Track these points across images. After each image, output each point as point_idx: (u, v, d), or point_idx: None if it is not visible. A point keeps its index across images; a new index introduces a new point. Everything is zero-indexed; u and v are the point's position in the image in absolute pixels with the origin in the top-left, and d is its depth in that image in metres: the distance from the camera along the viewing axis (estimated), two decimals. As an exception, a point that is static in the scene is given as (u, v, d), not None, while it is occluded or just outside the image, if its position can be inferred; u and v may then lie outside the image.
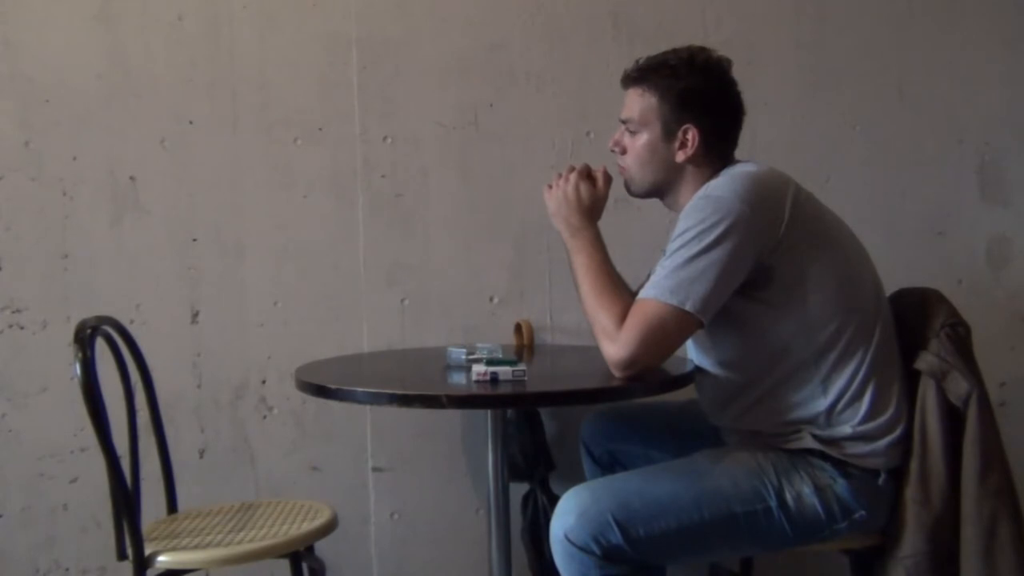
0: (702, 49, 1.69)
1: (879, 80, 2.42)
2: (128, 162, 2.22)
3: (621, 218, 2.34)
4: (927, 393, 1.59)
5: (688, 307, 1.52)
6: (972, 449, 1.55)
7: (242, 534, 1.73)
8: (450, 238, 2.32)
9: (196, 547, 1.67)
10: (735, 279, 1.55)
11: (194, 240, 2.24)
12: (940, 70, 2.43)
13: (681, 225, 1.57)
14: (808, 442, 1.58)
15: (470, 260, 2.32)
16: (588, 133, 2.34)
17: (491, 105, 2.32)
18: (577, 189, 1.73)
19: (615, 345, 1.56)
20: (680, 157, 1.68)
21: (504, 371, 1.60)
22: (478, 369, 1.61)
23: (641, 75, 1.70)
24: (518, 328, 2.28)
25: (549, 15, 2.33)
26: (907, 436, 1.59)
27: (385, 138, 2.30)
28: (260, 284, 2.27)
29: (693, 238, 1.53)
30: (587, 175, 1.76)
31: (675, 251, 1.55)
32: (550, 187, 1.78)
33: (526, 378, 1.60)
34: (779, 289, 1.58)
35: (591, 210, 1.73)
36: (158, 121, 2.23)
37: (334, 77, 2.28)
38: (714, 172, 1.67)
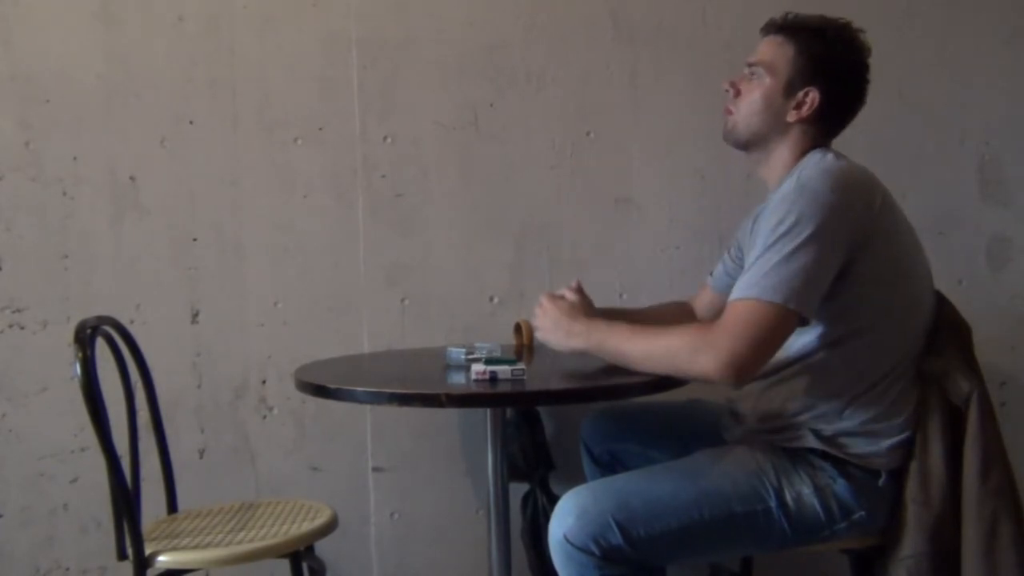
0: (851, 26, 1.67)
1: (879, 80, 2.41)
2: (128, 162, 2.22)
3: (621, 218, 2.35)
4: (928, 393, 1.59)
5: (792, 305, 1.46)
6: (973, 449, 1.54)
7: (242, 534, 1.73)
8: (450, 238, 2.32)
9: (196, 547, 1.67)
10: (831, 272, 1.51)
11: (194, 240, 2.24)
12: (940, 70, 2.43)
13: (774, 217, 1.51)
14: (809, 441, 1.58)
15: (470, 260, 2.32)
16: (588, 133, 2.34)
17: (491, 105, 2.32)
18: (555, 305, 1.73)
19: (712, 352, 1.47)
20: (792, 116, 1.65)
21: (503, 370, 1.60)
22: (477, 368, 1.61)
23: (788, 25, 1.68)
24: (518, 328, 2.27)
25: (549, 15, 2.33)
26: (909, 437, 1.59)
27: (385, 138, 2.30)
28: (260, 284, 2.27)
29: (787, 232, 1.48)
30: (553, 296, 1.77)
31: (770, 246, 1.49)
32: (537, 328, 1.76)
33: (525, 377, 1.60)
34: (854, 285, 1.54)
35: (579, 310, 1.73)
36: (158, 121, 2.23)
37: (334, 77, 2.28)
38: (814, 146, 1.65)
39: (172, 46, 2.23)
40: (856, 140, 2.39)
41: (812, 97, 1.64)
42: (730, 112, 1.72)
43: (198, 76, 2.24)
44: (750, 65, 1.71)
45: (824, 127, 1.68)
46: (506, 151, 2.33)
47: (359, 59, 2.28)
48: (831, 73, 1.65)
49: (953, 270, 2.40)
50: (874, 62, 2.41)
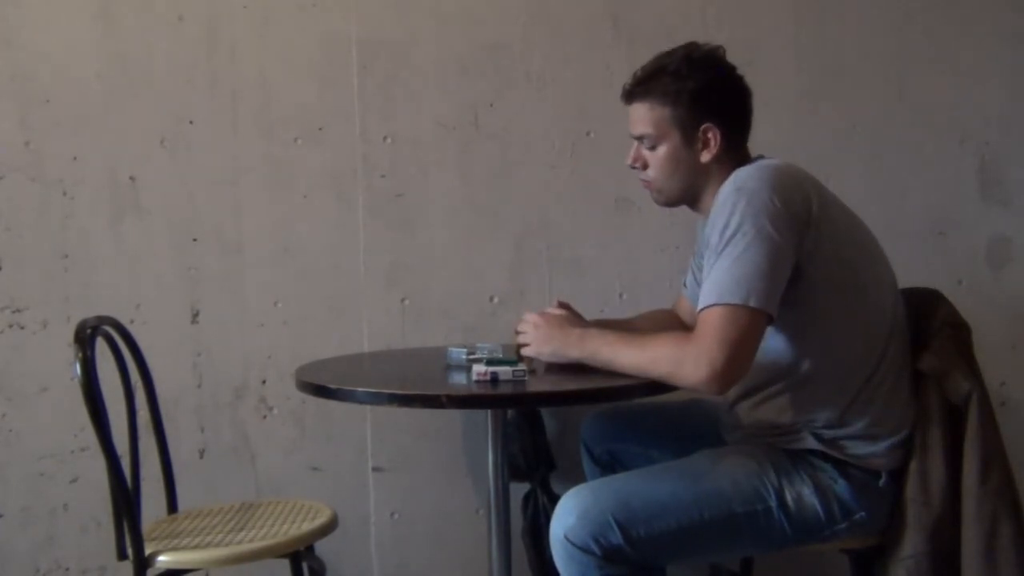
0: (694, 45, 1.67)
1: (879, 80, 2.42)
2: (128, 162, 2.22)
3: (621, 218, 2.35)
4: (928, 393, 1.59)
5: (752, 303, 1.46)
6: (972, 449, 1.54)
7: (242, 534, 1.73)
8: (450, 238, 2.32)
9: (196, 547, 1.67)
10: (785, 265, 1.50)
11: (194, 240, 2.24)
12: (940, 70, 2.43)
13: (719, 223, 1.51)
14: (809, 443, 1.58)
15: (470, 260, 2.32)
16: (588, 133, 2.34)
17: (491, 105, 2.32)
18: (545, 319, 1.71)
19: (691, 364, 1.48)
20: (705, 158, 1.65)
21: (504, 371, 1.60)
22: (478, 369, 1.61)
23: (646, 88, 1.66)
24: (519, 328, 2.27)
25: (549, 15, 2.33)
26: (909, 437, 1.59)
27: (385, 138, 2.30)
28: (260, 284, 2.27)
29: (733, 235, 1.48)
30: (542, 312, 1.75)
31: (721, 251, 1.49)
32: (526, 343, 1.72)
33: (526, 378, 1.60)
34: (811, 285, 1.55)
35: (570, 322, 1.72)
36: (158, 121, 2.23)
37: (334, 77, 2.28)
38: (736, 165, 1.62)
39: (172, 46, 2.23)
40: (856, 140, 2.41)
41: (713, 133, 1.64)
42: (648, 184, 1.72)
43: (198, 76, 2.24)
44: (637, 138, 1.69)
45: (736, 142, 1.67)
46: (506, 151, 2.33)
47: (359, 59, 2.28)
48: (712, 102, 1.64)
49: (953, 270, 2.40)
50: (874, 62, 2.44)
